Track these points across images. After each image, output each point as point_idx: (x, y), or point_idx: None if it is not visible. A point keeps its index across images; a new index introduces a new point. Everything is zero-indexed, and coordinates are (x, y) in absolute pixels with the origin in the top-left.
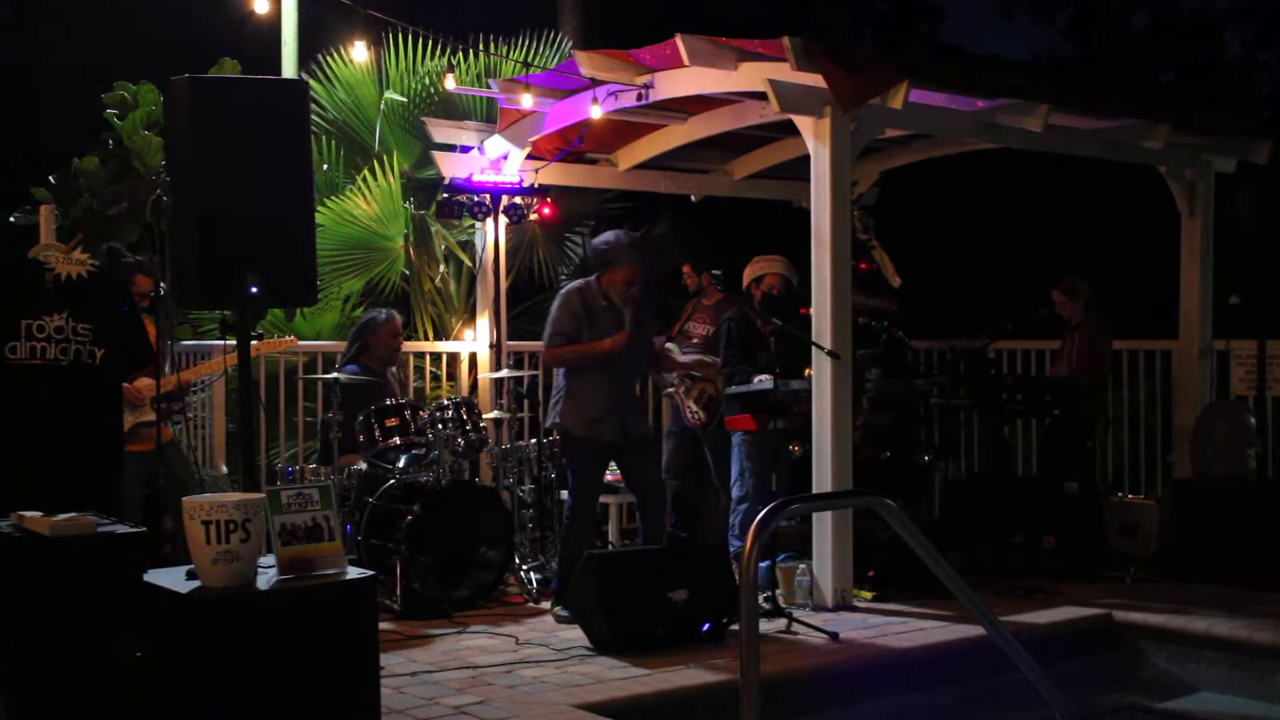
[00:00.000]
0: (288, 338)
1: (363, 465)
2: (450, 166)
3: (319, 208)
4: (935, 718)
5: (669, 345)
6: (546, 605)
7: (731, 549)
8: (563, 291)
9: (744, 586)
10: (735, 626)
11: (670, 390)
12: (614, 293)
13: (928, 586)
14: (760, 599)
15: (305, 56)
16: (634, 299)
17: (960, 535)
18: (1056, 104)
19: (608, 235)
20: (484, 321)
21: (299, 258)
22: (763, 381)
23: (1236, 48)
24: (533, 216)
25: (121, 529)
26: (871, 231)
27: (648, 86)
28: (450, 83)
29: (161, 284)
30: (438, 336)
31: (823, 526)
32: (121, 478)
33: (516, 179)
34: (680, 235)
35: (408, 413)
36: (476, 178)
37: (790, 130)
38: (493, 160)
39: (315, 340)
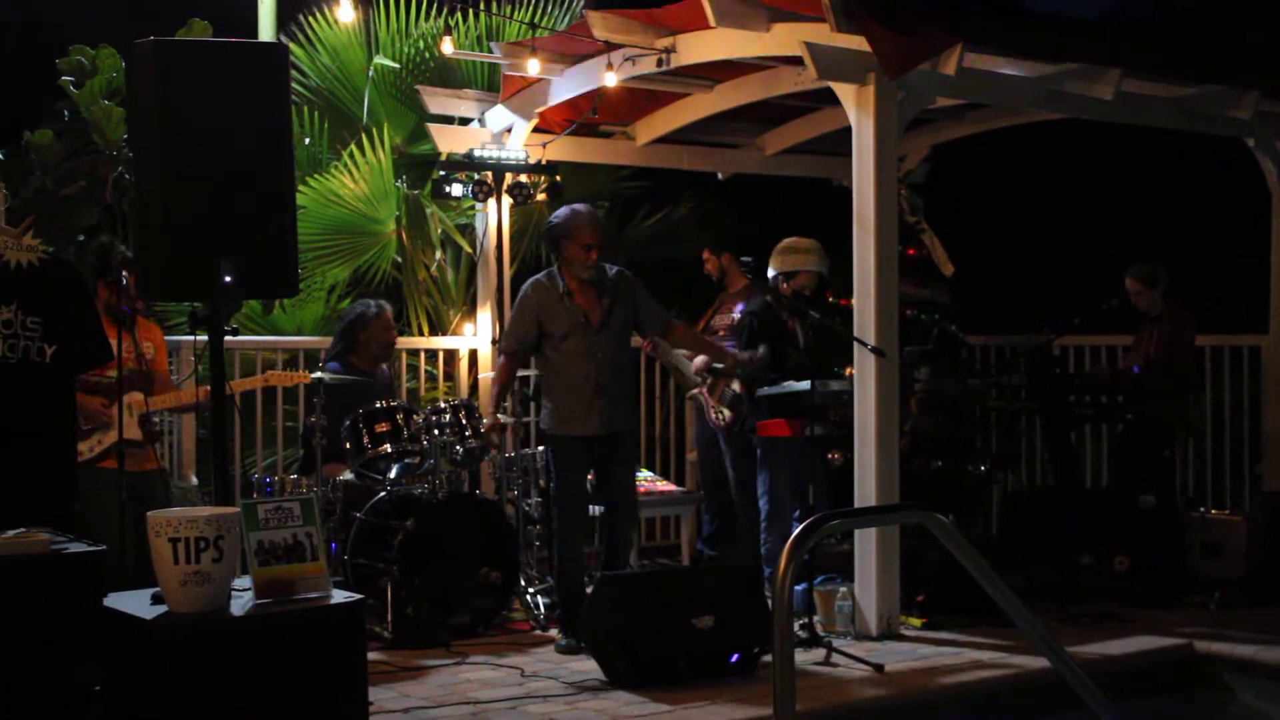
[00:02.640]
0: (301, 371)
1: (349, 476)
2: (447, 141)
3: (300, 187)
4: None
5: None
6: (555, 633)
7: (766, 572)
8: (523, 287)
9: (777, 612)
10: (768, 657)
11: (695, 391)
12: (575, 268)
13: (984, 613)
14: (796, 626)
15: (284, 17)
16: (598, 271)
17: (1021, 555)
18: (1130, 69)
19: (558, 213)
20: (485, 314)
21: (278, 243)
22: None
23: None
24: (539, 197)
25: (77, 547)
26: (921, 213)
27: (669, 51)
28: (447, 46)
29: (125, 272)
30: (434, 331)
31: (866, 545)
32: (74, 489)
33: (522, 155)
34: (704, 218)
35: (400, 417)
36: (477, 153)
37: (829, 99)
38: (495, 134)
39: (297, 335)
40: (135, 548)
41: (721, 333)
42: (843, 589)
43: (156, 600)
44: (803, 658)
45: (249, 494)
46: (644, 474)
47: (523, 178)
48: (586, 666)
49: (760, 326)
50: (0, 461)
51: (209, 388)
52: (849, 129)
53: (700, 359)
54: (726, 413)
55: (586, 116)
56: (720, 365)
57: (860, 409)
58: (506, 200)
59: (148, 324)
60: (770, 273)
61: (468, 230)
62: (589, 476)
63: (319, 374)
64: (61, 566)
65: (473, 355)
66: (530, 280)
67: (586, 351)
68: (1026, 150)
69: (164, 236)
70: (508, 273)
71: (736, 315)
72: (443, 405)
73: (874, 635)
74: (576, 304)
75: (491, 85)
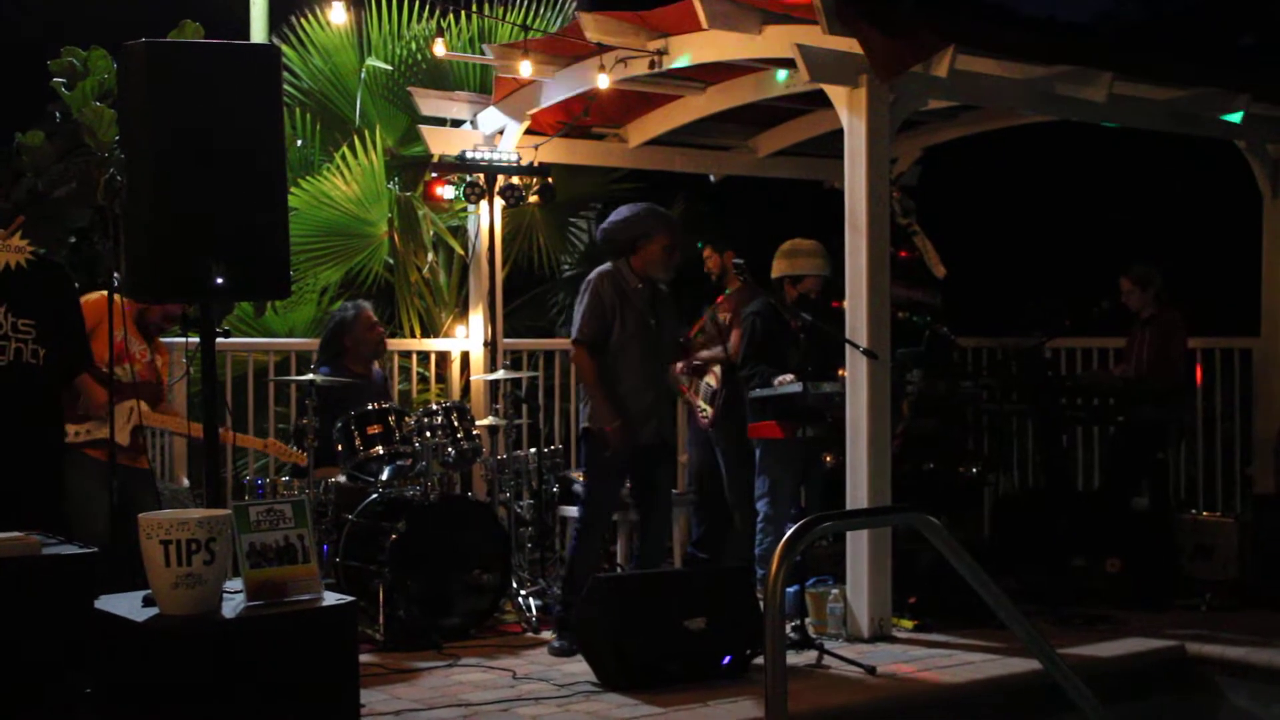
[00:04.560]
0: (299, 451)
1: (341, 478)
2: (440, 142)
3: (292, 189)
4: None
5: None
6: (547, 635)
7: (759, 573)
8: (590, 277)
9: (769, 614)
10: (760, 659)
11: (685, 396)
12: (654, 268)
13: (976, 615)
14: (788, 628)
15: (277, 19)
16: (675, 271)
17: (1013, 557)
18: (1121, 71)
19: (623, 211)
20: (477, 317)
21: (270, 245)
22: (788, 383)
23: None
24: (532, 199)
25: (70, 549)
26: (913, 215)
27: (661, 53)
28: (440, 48)
29: (116, 274)
30: (425, 333)
31: (858, 547)
32: (62, 492)
33: (514, 156)
34: (697, 219)
35: (392, 419)
36: (469, 155)
37: (822, 102)
38: (487, 135)
39: (289, 337)
40: (123, 539)
41: (714, 333)
42: (834, 591)
43: (148, 603)
44: (794, 660)
45: (241, 496)
46: None
47: (515, 180)
48: (578, 669)
49: (764, 326)
50: None
51: (200, 424)
52: (841, 131)
53: (679, 363)
54: (708, 410)
55: (578, 118)
56: (697, 363)
57: (852, 411)
58: (499, 202)
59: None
60: (775, 274)
61: (460, 232)
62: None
63: (312, 375)
64: (53, 569)
65: (465, 357)
66: (600, 271)
67: (648, 356)
68: (1018, 152)
69: (155, 238)
70: (499, 275)
71: (731, 315)
72: (434, 407)
73: (866, 637)
74: (645, 305)
75: (484, 87)
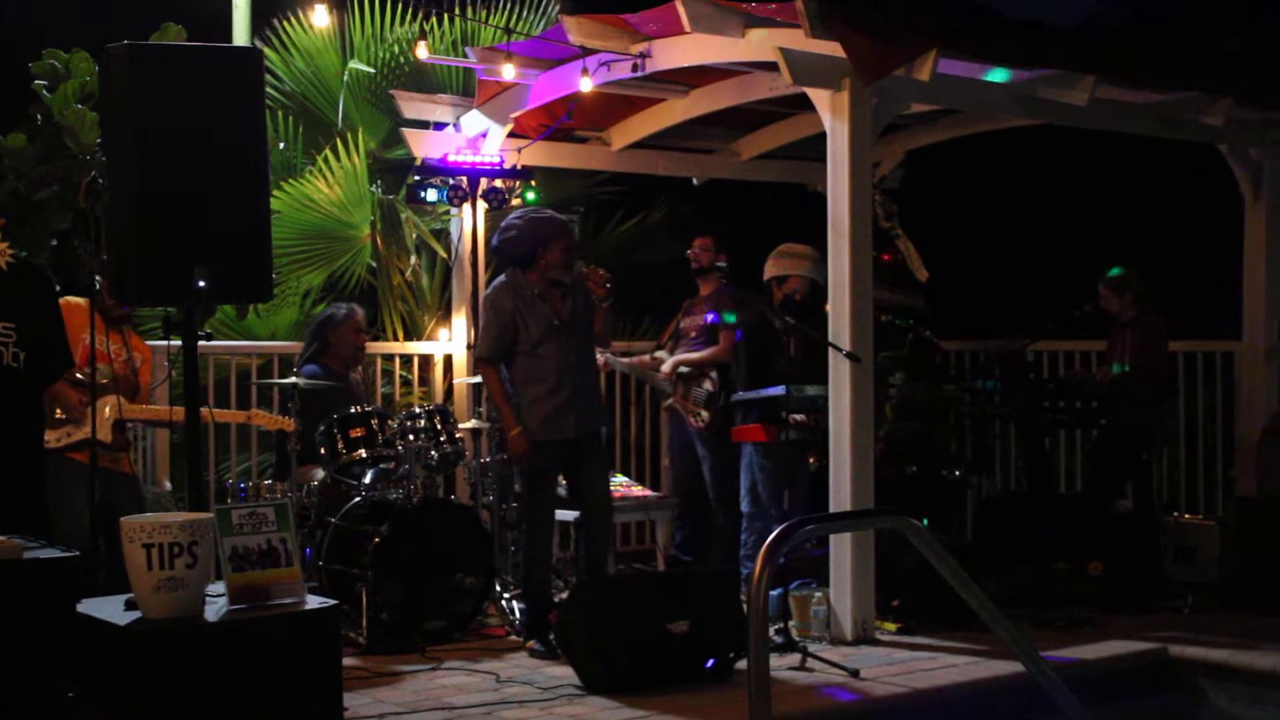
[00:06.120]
0: (285, 418)
1: (324, 480)
2: (422, 145)
3: (275, 192)
4: None
5: (659, 354)
6: (518, 638)
7: (744, 572)
8: (487, 293)
9: (753, 617)
10: (743, 663)
11: (670, 401)
12: (554, 272)
13: (959, 617)
14: (771, 631)
15: (259, 22)
16: (577, 271)
17: (996, 560)
18: (1104, 75)
19: (515, 223)
20: (460, 320)
21: (252, 248)
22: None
23: None
24: (515, 201)
25: (51, 553)
26: (895, 219)
27: (644, 56)
28: (422, 51)
29: (98, 277)
30: (408, 336)
31: (841, 550)
32: (44, 497)
33: (497, 159)
34: (679, 223)
35: (374, 422)
36: (452, 158)
37: (805, 105)
38: (470, 138)
39: (271, 340)
40: (106, 546)
41: (693, 334)
42: (818, 594)
43: (130, 606)
44: (778, 663)
45: (223, 499)
46: (620, 479)
47: (498, 183)
48: (561, 672)
49: (750, 338)
50: None
51: (183, 408)
52: (824, 135)
53: (666, 366)
54: (705, 414)
55: (562, 121)
56: (686, 369)
57: (835, 414)
58: (481, 205)
59: (136, 336)
60: (765, 277)
61: (443, 235)
62: (560, 481)
63: (294, 378)
64: (34, 573)
65: (448, 360)
66: (496, 284)
67: (560, 354)
68: (1002, 156)
69: (138, 241)
70: (482, 278)
71: (709, 319)
72: (417, 410)
73: (849, 640)
74: (547, 306)
75: (466, 90)
